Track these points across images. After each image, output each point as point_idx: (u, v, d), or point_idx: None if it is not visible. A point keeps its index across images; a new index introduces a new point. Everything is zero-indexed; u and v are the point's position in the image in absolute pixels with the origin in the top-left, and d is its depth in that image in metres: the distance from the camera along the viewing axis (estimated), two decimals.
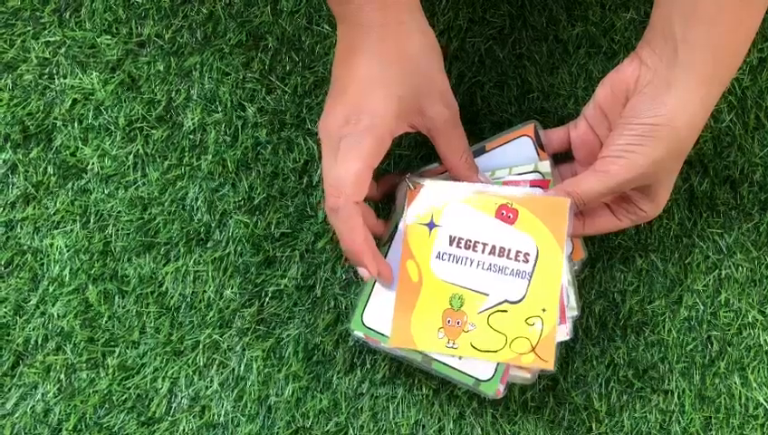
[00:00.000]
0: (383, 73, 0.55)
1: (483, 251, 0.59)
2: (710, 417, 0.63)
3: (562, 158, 0.63)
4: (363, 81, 0.55)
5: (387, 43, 0.55)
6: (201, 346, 0.64)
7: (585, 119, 0.60)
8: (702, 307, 0.65)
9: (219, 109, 0.68)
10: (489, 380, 0.58)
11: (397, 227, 0.60)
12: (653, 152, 0.54)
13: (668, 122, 0.53)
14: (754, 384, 0.64)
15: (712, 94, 0.54)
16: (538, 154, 0.61)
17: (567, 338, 0.58)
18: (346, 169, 0.54)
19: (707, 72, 0.53)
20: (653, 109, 0.54)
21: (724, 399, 0.63)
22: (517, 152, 0.62)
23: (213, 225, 0.66)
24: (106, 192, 0.67)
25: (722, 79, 0.55)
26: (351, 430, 0.63)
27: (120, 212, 0.66)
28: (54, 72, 0.69)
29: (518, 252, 0.58)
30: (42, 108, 0.68)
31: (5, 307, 0.65)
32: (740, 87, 0.68)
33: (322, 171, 0.56)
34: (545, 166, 0.61)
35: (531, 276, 0.58)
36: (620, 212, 0.59)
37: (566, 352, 0.64)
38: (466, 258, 0.59)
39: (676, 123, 0.53)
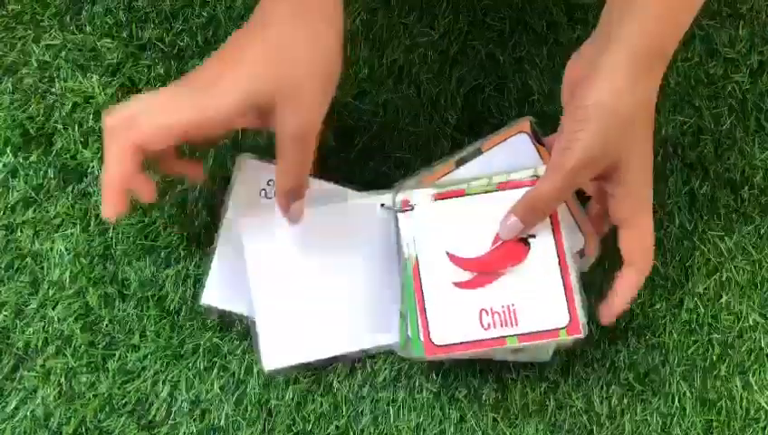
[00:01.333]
0: (253, 59, 0.52)
1: None
2: (711, 420, 0.63)
3: None
4: (235, 58, 0.53)
5: (266, 37, 0.53)
6: (201, 350, 0.64)
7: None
8: (703, 310, 0.65)
9: None
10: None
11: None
12: (595, 134, 0.53)
13: (599, 101, 0.53)
14: (755, 387, 0.63)
15: (641, 67, 0.54)
16: (538, 151, 0.61)
17: (581, 336, 0.57)
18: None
19: (633, 45, 0.53)
20: (586, 92, 0.53)
21: (726, 402, 0.63)
22: (516, 151, 0.61)
23: (213, 228, 0.66)
24: None
25: (653, 50, 0.54)
26: (352, 434, 0.63)
27: None
28: (55, 75, 0.69)
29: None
30: (42, 111, 0.68)
31: (6, 311, 0.65)
32: (740, 90, 0.68)
33: None
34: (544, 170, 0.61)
35: None
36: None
37: (566, 355, 0.64)
38: None
39: (605, 101, 0.53)
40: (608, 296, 0.59)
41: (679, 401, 0.63)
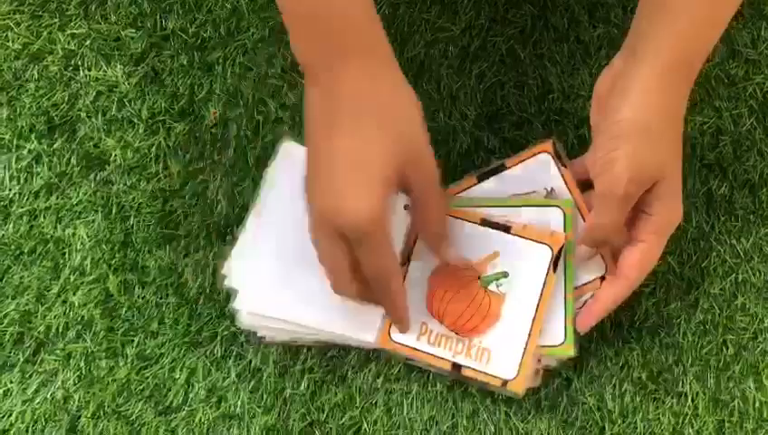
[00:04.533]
0: (367, 155, 0.51)
1: None
2: (723, 420, 0.63)
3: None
4: (349, 166, 0.51)
5: (364, 114, 0.51)
6: (219, 338, 0.65)
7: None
8: (718, 311, 0.65)
9: (241, 103, 0.68)
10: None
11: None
12: (632, 155, 0.53)
13: (632, 117, 0.53)
14: None
15: (672, 84, 0.54)
16: (559, 170, 0.62)
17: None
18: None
19: (664, 61, 0.53)
20: (618, 106, 0.53)
21: (738, 403, 0.63)
22: (537, 170, 0.62)
23: (232, 218, 0.67)
24: (128, 184, 0.68)
25: (680, 65, 0.54)
26: (365, 425, 0.64)
27: (141, 204, 0.67)
28: (79, 64, 0.69)
29: None
30: (66, 99, 0.69)
31: (28, 295, 0.66)
32: (761, 91, 0.67)
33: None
34: (562, 191, 0.61)
35: None
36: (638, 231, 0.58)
37: (580, 352, 0.64)
38: None
39: (638, 117, 0.53)
40: (588, 303, 0.60)
41: (692, 401, 0.63)
